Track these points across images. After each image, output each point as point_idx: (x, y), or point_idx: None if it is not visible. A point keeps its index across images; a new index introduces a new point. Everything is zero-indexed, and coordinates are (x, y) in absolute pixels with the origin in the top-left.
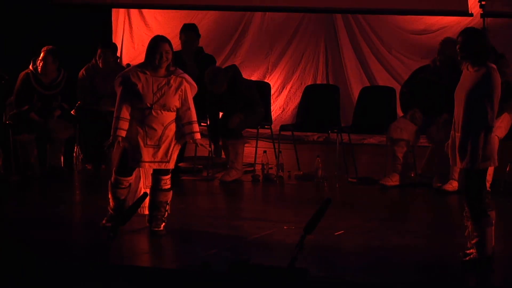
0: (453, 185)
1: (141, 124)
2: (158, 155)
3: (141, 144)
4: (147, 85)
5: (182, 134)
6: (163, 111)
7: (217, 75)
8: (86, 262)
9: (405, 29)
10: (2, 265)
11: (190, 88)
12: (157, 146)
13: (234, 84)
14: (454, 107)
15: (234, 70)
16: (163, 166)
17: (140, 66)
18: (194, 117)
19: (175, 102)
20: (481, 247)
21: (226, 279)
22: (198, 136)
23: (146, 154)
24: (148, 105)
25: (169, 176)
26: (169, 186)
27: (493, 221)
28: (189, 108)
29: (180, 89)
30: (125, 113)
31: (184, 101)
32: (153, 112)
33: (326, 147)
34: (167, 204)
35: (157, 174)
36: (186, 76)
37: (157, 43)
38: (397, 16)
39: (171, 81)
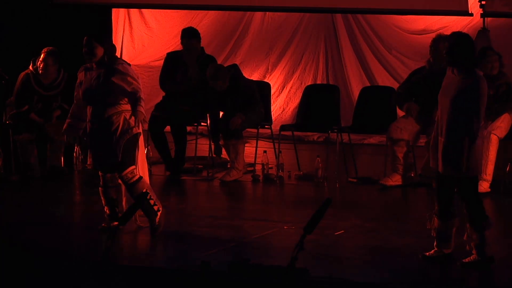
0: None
1: (88, 120)
2: (105, 150)
3: (89, 141)
4: (86, 82)
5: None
6: (99, 106)
7: (219, 71)
8: (86, 262)
9: (405, 29)
10: (2, 266)
11: (121, 77)
12: (102, 141)
13: (235, 83)
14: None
15: (235, 69)
16: (112, 160)
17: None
18: (135, 99)
19: (108, 95)
20: (481, 249)
21: (226, 279)
22: (139, 113)
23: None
24: (85, 101)
25: (129, 169)
26: (136, 178)
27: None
28: (128, 91)
29: (109, 81)
30: (74, 111)
31: (120, 89)
32: (91, 107)
33: (326, 147)
34: (147, 193)
35: (118, 172)
36: (120, 66)
37: (83, 40)
38: (397, 16)
39: (101, 75)
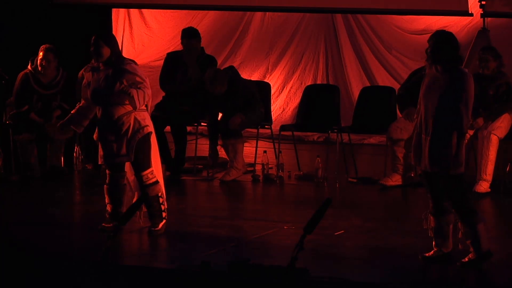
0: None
1: (98, 120)
2: (116, 150)
3: (100, 140)
4: (93, 82)
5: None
6: (109, 106)
7: (217, 76)
8: (86, 262)
9: (405, 29)
10: (2, 266)
11: (130, 77)
12: (113, 141)
13: (234, 85)
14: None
15: (232, 71)
16: (125, 160)
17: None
18: (135, 89)
19: (117, 96)
20: (477, 245)
21: (226, 279)
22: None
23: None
24: (94, 101)
25: (149, 170)
26: (153, 180)
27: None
28: (131, 90)
29: (118, 81)
30: (82, 108)
31: (127, 87)
32: (100, 108)
33: (326, 147)
34: (159, 197)
35: (136, 172)
36: (128, 66)
37: (91, 40)
38: (397, 16)
39: (109, 74)
